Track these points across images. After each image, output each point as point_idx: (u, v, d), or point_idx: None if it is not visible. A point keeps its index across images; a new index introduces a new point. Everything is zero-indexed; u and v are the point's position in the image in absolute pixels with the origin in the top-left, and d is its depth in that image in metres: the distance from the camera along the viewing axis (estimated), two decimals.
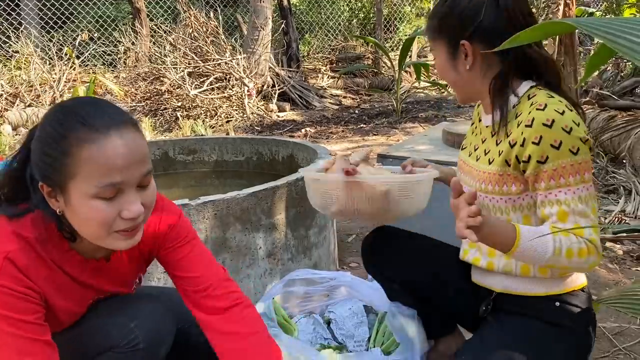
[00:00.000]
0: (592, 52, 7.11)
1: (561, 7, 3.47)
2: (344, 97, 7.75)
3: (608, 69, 5.65)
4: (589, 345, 1.29)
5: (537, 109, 1.16)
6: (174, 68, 6.26)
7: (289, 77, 7.13)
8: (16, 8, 7.97)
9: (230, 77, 6.37)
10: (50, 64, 6.75)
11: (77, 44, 7.37)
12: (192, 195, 1.84)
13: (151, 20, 7.97)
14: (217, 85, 6.34)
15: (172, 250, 1.23)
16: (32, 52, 6.72)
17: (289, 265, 2.00)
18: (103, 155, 0.96)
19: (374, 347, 1.59)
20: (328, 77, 8.23)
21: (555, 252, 1.12)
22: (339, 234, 2.72)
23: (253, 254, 1.91)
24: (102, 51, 7.90)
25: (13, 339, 0.99)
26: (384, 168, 1.64)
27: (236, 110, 6.27)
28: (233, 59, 6.37)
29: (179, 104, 6.18)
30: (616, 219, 2.87)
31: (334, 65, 8.71)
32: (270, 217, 1.92)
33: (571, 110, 1.17)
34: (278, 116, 6.54)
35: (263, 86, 6.70)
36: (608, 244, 2.57)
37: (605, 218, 2.89)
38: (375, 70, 8.50)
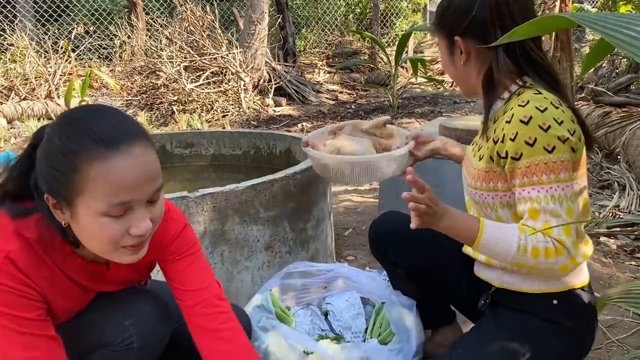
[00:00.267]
0: (588, 48, 7.14)
1: (557, 4, 3.49)
2: (341, 92, 7.74)
3: (603, 65, 5.68)
4: (587, 344, 1.28)
5: (518, 105, 1.15)
6: (170, 62, 6.24)
7: (285, 71, 7.12)
8: (11, 0, 7.91)
9: (226, 72, 6.36)
10: (45, 57, 6.71)
11: (72, 37, 7.32)
12: (190, 189, 1.84)
13: (147, 13, 7.92)
14: (213, 79, 6.32)
15: (172, 262, 1.22)
16: (27, 45, 6.66)
17: (286, 258, 2.02)
18: (113, 174, 0.92)
19: (371, 338, 1.61)
20: (324, 72, 8.22)
21: (519, 249, 1.11)
22: (336, 227, 2.73)
23: (251, 247, 1.92)
24: (98, 45, 7.84)
25: (16, 335, 0.99)
26: (397, 132, 1.73)
27: (232, 104, 6.26)
28: (229, 53, 6.36)
29: (175, 98, 6.16)
30: (610, 214, 2.90)
31: (331, 60, 8.70)
32: (268, 210, 1.93)
33: (556, 108, 1.14)
34: (274, 111, 6.53)
35: (259, 81, 6.69)
36: (602, 239, 2.60)
37: (600, 213, 2.92)
38: (371, 66, 8.51)
